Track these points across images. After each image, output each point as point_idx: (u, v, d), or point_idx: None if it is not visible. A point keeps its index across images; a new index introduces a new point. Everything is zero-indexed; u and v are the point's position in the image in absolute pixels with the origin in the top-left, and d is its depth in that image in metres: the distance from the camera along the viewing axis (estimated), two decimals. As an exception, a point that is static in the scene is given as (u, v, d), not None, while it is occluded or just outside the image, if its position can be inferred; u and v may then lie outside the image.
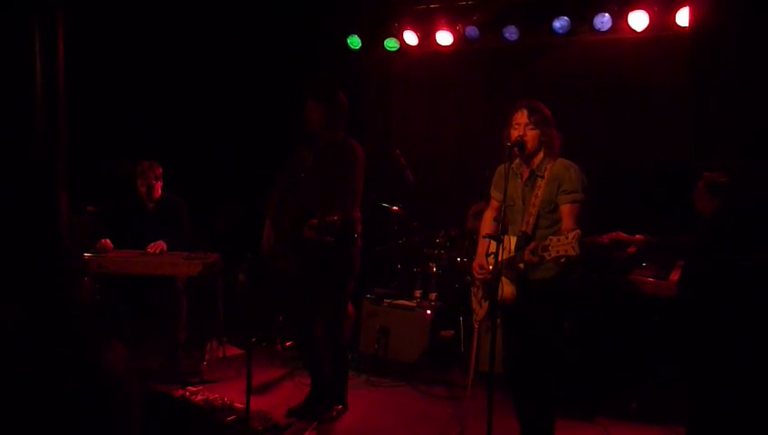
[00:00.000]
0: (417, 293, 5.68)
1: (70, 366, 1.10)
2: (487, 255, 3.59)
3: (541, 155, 3.44)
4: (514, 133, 3.42)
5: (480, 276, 3.61)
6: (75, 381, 1.09)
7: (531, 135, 3.39)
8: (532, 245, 3.17)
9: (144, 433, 1.28)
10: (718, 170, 3.98)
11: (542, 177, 3.40)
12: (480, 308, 3.65)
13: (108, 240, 5.13)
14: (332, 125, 4.15)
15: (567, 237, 2.95)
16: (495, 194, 3.70)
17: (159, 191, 5.33)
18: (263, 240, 4.33)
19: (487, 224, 3.75)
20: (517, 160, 3.49)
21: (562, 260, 3.04)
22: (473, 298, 3.73)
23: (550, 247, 3.01)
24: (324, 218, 3.75)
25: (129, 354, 1.22)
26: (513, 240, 3.39)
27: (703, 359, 3.65)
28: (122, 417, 1.13)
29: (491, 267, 3.47)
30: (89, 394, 1.09)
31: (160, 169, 5.32)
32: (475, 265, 3.66)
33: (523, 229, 3.37)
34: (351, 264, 4.20)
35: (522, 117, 3.42)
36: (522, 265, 3.26)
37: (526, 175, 3.47)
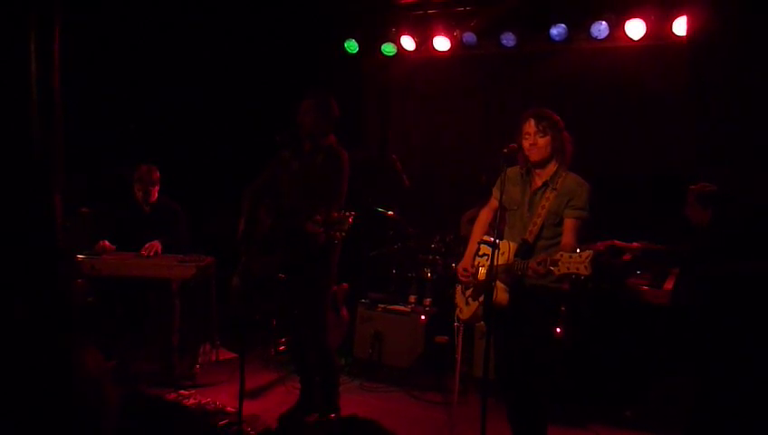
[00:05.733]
0: (412, 298, 5.68)
1: (45, 368, 1.09)
2: (480, 256, 3.57)
3: (554, 163, 3.42)
4: (525, 143, 3.41)
5: (464, 280, 3.60)
6: (50, 382, 1.08)
7: (541, 142, 3.37)
8: (541, 257, 3.15)
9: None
10: (702, 181, 3.99)
11: (555, 189, 3.38)
12: (466, 307, 3.62)
13: (106, 241, 5.12)
14: (322, 130, 4.17)
15: (581, 256, 2.93)
16: (497, 194, 3.66)
17: (156, 195, 5.32)
18: (239, 236, 4.26)
19: (482, 223, 3.72)
20: (529, 168, 3.47)
21: (573, 277, 3.03)
22: (458, 295, 3.70)
23: (560, 263, 2.98)
24: (332, 214, 3.72)
25: (120, 358, 1.21)
26: (513, 246, 3.37)
27: (700, 364, 3.65)
28: (96, 418, 1.12)
29: (482, 269, 3.46)
30: (63, 395, 1.08)
31: (158, 174, 5.31)
32: (460, 267, 3.65)
33: (525, 237, 3.36)
34: (330, 268, 4.18)
35: (529, 127, 3.41)
36: (521, 273, 3.25)
37: (539, 184, 3.45)
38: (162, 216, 5.33)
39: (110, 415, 1.17)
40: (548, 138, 3.38)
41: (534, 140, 3.38)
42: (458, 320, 3.77)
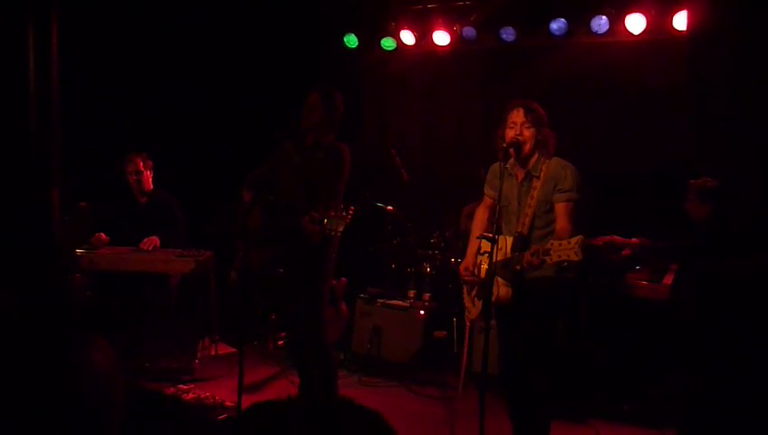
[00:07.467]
0: (411, 293, 5.67)
1: (51, 364, 1.09)
2: (481, 254, 3.57)
3: (536, 155, 3.43)
4: (510, 133, 3.41)
5: (467, 279, 3.60)
6: (55, 378, 1.08)
7: (527, 134, 3.38)
8: (533, 248, 3.16)
9: (134, 431, 1.26)
10: (703, 176, 3.99)
11: (538, 177, 3.39)
12: (473, 307, 3.64)
13: (102, 234, 5.12)
14: (327, 126, 4.15)
15: (570, 242, 2.94)
16: (490, 193, 3.68)
17: (150, 183, 5.31)
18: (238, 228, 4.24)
19: (479, 222, 3.73)
20: (511, 160, 3.47)
21: (565, 264, 3.04)
22: (465, 296, 3.72)
23: (551, 252, 3.00)
24: (329, 212, 3.71)
25: (119, 352, 1.21)
26: (509, 241, 3.37)
27: (700, 361, 3.65)
28: (102, 415, 1.12)
29: (484, 266, 3.46)
30: (68, 392, 1.08)
31: (150, 161, 5.31)
32: (462, 267, 3.64)
33: (519, 230, 3.37)
34: (327, 263, 4.17)
35: (518, 116, 3.41)
36: (518, 267, 3.25)
37: (521, 175, 3.46)
38: (158, 208, 5.34)
39: (115, 412, 1.16)
40: (533, 130, 3.39)
41: (520, 130, 3.38)
42: (468, 320, 3.79)
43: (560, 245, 2.98)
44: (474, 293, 3.63)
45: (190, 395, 4.54)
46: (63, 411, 1.07)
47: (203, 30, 6.39)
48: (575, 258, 2.93)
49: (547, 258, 3.03)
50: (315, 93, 4.14)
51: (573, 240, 2.95)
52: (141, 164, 5.24)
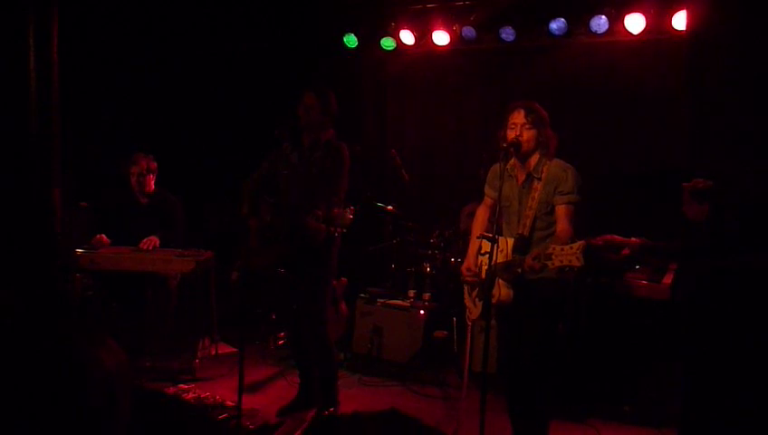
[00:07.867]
0: (411, 293, 5.67)
1: (55, 363, 1.09)
2: (482, 254, 3.57)
3: (537, 156, 3.43)
4: (511, 134, 3.41)
5: (469, 280, 3.59)
6: (59, 377, 1.08)
7: (527, 135, 3.38)
8: (535, 252, 3.16)
9: (134, 431, 1.26)
10: (697, 177, 3.98)
11: (540, 178, 3.39)
12: (474, 307, 3.64)
13: (103, 235, 5.13)
14: (325, 125, 4.17)
15: (572, 248, 2.94)
16: (490, 192, 3.68)
17: (152, 185, 5.31)
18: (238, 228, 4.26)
19: (480, 222, 3.73)
20: (512, 161, 3.47)
21: (567, 269, 3.04)
22: (466, 296, 3.72)
23: (553, 256, 2.99)
24: (333, 210, 3.73)
25: (125, 353, 1.20)
26: (510, 242, 3.38)
27: (699, 362, 3.65)
28: (108, 414, 1.12)
29: (485, 267, 3.47)
30: (72, 391, 1.08)
31: (154, 163, 5.31)
32: (464, 267, 3.64)
33: (520, 231, 3.37)
34: (330, 262, 4.18)
35: (519, 117, 3.41)
36: (520, 270, 3.25)
37: (523, 177, 3.46)
38: (159, 208, 5.34)
39: (121, 411, 1.16)
40: (534, 132, 3.39)
41: (521, 131, 3.38)
42: (469, 320, 3.79)
43: (561, 250, 2.98)
44: (475, 293, 3.63)
45: (191, 395, 4.54)
46: (66, 410, 1.07)
47: (204, 30, 6.40)
48: (577, 264, 2.93)
49: (549, 263, 3.03)
50: (311, 93, 4.17)
51: (575, 246, 2.94)
52: (145, 166, 5.25)
